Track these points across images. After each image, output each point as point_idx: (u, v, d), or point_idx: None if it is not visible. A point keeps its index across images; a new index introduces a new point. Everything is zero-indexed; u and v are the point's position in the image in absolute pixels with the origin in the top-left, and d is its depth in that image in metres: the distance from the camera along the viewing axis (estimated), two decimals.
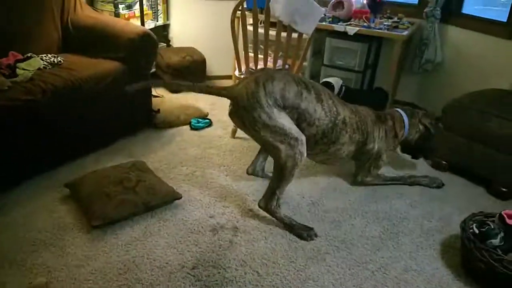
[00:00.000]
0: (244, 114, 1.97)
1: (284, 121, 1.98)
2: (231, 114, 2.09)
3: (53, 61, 2.67)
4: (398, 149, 2.75)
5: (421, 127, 2.57)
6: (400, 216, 2.33)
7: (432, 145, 2.60)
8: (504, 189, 2.52)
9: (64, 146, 2.55)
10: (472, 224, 1.98)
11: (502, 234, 1.89)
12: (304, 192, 2.49)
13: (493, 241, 1.86)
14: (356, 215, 2.32)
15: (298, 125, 2.06)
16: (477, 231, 1.92)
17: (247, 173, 2.55)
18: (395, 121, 2.51)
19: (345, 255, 2.02)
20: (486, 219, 2.03)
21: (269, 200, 2.11)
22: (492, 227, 1.91)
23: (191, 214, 2.23)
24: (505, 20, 3.03)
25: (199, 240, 2.05)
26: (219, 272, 1.86)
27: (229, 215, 2.25)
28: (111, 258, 1.90)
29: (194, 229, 2.12)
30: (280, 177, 2.05)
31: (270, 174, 2.30)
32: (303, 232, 2.09)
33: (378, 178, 2.57)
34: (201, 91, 2.14)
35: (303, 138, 2.05)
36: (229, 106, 2.08)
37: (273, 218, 2.17)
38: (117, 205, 2.07)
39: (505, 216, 1.95)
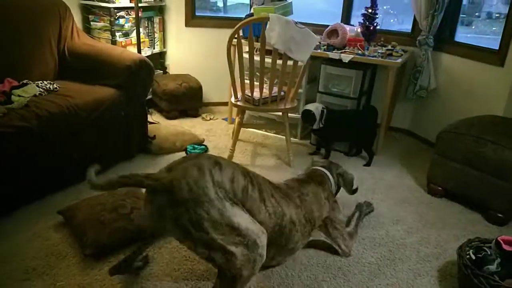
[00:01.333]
0: (183, 212, 1.42)
1: (240, 218, 1.53)
2: (154, 214, 1.50)
3: (49, 87, 2.69)
4: None
5: (338, 179, 2.40)
6: (397, 243, 2.32)
7: (353, 188, 2.46)
8: (500, 215, 2.52)
9: (58, 173, 2.54)
10: (469, 250, 1.97)
11: (498, 260, 1.88)
12: None
13: (490, 267, 1.85)
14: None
15: None
16: (473, 257, 1.91)
17: (110, 273, 1.88)
18: (325, 182, 2.26)
19: (342, 283, 1.99)
20: (482, 245, 2.02)
21: None
22: (489, 253, 1.90)
23: None
24: (497, 48, 3.10)
25: (194, 268, 2.02)
26: None
27: None
28: (105, 286, 1.87)
29: (189, 257, 2.10)
30: None
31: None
32: None
33: (354, 234, 2.30)
34: (117, 184, 1.52)
35: (264, 238, 1.62)
36: (149, 202, 1.51)
37: None
38: (111, 233, 2.05)
39: (501, 242, 1.95)
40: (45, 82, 2.75)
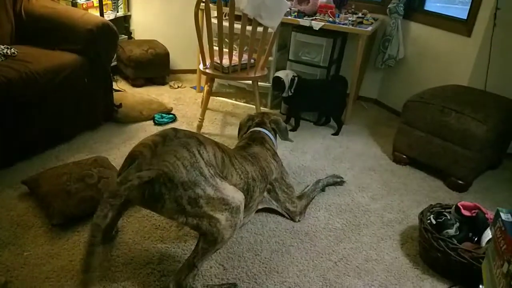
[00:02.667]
0: (182, 193, 1.49)
1: (228, 191, 1.63)
2: (154, 199, 1.50)
3: (6, 52, 2.55)
4: None
5: (274, 129, 2.40)
6: (362, 209, 2.40)
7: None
8: (460, 182, 2.63)
9: (20, 142, 2.45)
10: (430, 215, 2.06)
11: (457, 224, 1.98)
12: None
13: (449, 231, 1.94)
14: (319, 208, 2.36)
15: None
16: (434, 222, 2.00)
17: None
18: (266, 141, 2.27)
19: (308, 247, 2.05)
20: (443, 210, 2.12)
21: (184, 276, 1.63)
22: (449, 218, 2.00)
23: None
24: (465, 18, 3.14)
25: (164, 236, 2.03)
26: None
27: None
28: (74, 255, 1.86)
29: (159, 225, 2.10)
30: (209, 250, 1.63)
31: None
32: None
33: (305, 197, 2.34)
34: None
35: (243, 203, 1.71)
36: (143, 190, 1.49)
37: None
38: (78, 202, 2.02)
39: (460, 207, 2.05)
40: (1, 46, 2.60)
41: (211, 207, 1.56)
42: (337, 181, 2.61)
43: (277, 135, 2.42)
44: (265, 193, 2.16)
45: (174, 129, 1.66)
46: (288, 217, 2.25)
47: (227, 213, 1.61)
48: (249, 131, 2.36)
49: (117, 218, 1.94)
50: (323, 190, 2.53)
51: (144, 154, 1.53)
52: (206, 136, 1.89)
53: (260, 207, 2.17)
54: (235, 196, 1.66)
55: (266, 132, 2.33)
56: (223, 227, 1.60)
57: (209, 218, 1.57)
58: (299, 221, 2.24)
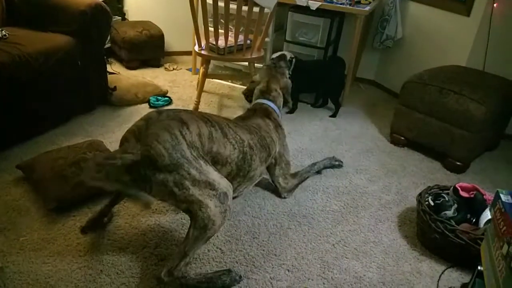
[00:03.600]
0: (167, 176, 1.52)
1: (213, 174, 1.64)
2: (141, 181, 1.53)
3: None
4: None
5: (280, 94, 2.39)
6: (359, 191, 2.39)
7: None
8: (458, 163, 2.62)
9: (14, 127, 2.41)
10: (428, 197, 2.06)
11: (455, 205, 1.98)
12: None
13: (447, 212, 1.94)
14: (317, 191, 2.35)
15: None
16: (432, 203, 2.00)
17: (82, 232, 1.89)
18: (270, 112, 2.27)
19: (306, 230, 2.05)
20: (441, 191, 2.12)
21: (175, 265, 1.60)
22: (447, 199, 1.99)
23: None
24: None
25: (161, 220, 2.02)
26: None
27: None
28: (70, 240, 1.84)
29: (156, 209, 2.09)
30: (200, 238, 1.62)
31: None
32: (225, 279, 1.70)
33: (297, 176, 2.37)
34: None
35: (231, 191, 1.72)
36: (131, 174, 1.51)
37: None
38: (74, 187, 2.00)
39: (458, 188, 2.04)
40: None
41: (198, 190, 1.57)
42: (335, 164, 2.60)
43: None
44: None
45: (158, 111, 1.67)
46: (277, 190, 2.27)
47: (215, 199, 1.62)
48: (252, 103, 2.36)
49: (109, 207, 1.93)
50: (319, 172, 2.52)
51: (128, 140, 1.58)
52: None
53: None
54: (221, 182, 1.65)
55: (270, 104, 2.31)
56: (213, 213, 1.61)
57: (199, 203, 1.58)
58: (285, 197, 2.27)
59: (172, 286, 1.62)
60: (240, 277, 1.74)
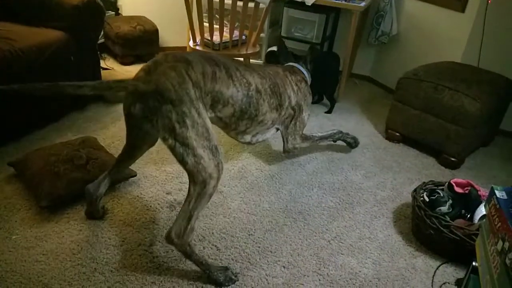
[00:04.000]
0: (171, 109, 1.59)
1: (208, 122, 1.69)
2: (149, 112, 1.61)
3: None
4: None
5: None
6: (355, 187, 2.39)
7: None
8: (453, 159, 2.63)
9: (6, 123, 2.38)
10: (423, 193, 2.06)
11: (450, 201, 1.98)
12: (263, 166, 2.49)
13: (442, 208, 1.95)
14: (313, 187, 2.35)
15: (212, 108, 1.81)
16: (427, 199, 2.00)
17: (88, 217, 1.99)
18: (296, 71, 2.42)
19: (302, 226, 2.05)
20: (436, 187, 2.12)
21: (184, 228, 1.62)
22: (441, 195, 1.99)
23: (147, 191, 2.17)
24: None
25: (156, 217, 2.01)
26: None
27: (186, 191, 2.18)
28: (63, 238, 1.83)
29: (151, 206, 2.07)
30: (202, 194, 1.65)
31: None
32: (220, 276, 1.70)
33: (307, 139, 2.46)
34: (93, 89, 1.58)
35: (221, 148, 1.85)
36: (137, 103, 1.62)
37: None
38: (67, 184, 1.98)
39: (453, 184, 2.05)
40: None
41: (195, 134, 1.62)
42: (351, 143, 2.70)
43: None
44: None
45: (165, 54, 1.74)
46: (282, 143, 2.40)
47: (208, 151, 1.65)
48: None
49: (104, 186, 1.93)
50: (334, 141, 2.65)
51: (139, 75, 1.65)
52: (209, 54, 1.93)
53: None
54: (213, 134, 1.70)
55: (299, 66, 2.46)
56: (208, 165, 1.64)
57: (193, 152, 1.62)
58: (284, 154, 2.44)
59: (179, 249, 1.65)
60: (236, 276, 1.73)
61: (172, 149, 1.64)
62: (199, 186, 1.64)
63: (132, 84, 1.61)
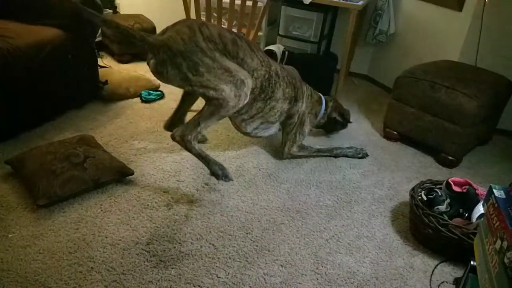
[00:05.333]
0: (181, 61, 1.79)
1: (229, 64, 1.87)
2: (159, 65, 1.83)
3: None
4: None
5: (333, 114, 2.70)
6: (353, 186, 2.39)
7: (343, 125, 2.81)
8: (451, 158, 2.63)
9: (3, 122, 2.37)
10: (421, 192, 2.06)
11: (448, 200, 1.98)
12: (260, 164, 2.49)
13: (440, 207, 1.95)
14: (310, 186, 2.34)
15: None
16: (425, 198, 2.00)
17: (164, 128, 2.33)
18: (311, 90, 2.57)
19: (300, 225, 2.04)
20: (434, 186, 2.12)
21: (188, 130, 1.91)
22: (439, 194, 1.99)
23: (144, 189, 2.17)
24: None
25: (153, 216, 2.00)
26: (174, 247, 1.83)
27: (184, 189, 2.20)
28: (60, 237, 1.82)
29: (148, 205, 2.06)
30: (215, 113, 1.91)
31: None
32: (217, 169, 1.99)
33: (304, 150, 2.54)
34: (114, 26, 1.80)
35: (250, 81, 1.96)
36: (152, 58, 1.85)
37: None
38: (64, 182, 1.97)
39: (451, 183, 2.05)
40: None
41: (213, 76, 1.81)
42: (358, 156, 2.65)
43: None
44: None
45: (186, 19, 2.01)
46: (280, 146, 2.51)
47: (231, 85, 1.85)
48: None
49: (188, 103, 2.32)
50: (335, 156, 2.62)
51: (157, 33, 1.92)
52: None
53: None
54: (239, 70, 1.89)
55: (322, 96, 2.61)
56: (228, 95, 1.86)
57: (214, 87, 1.84)
58: (280, 158, 2.50)
59: (180, 145, 1.95)
60: (229, 176, 2.01)
61: (193, 92, 1.91)
62: (214, 107, 1.89)
63: (141, 35, 1.80)
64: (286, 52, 3.16)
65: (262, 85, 2.06)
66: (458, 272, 1.84)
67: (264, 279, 1.72)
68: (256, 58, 1.99)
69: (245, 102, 1.96)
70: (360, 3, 3.13)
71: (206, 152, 2.03)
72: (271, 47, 3.14)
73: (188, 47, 1.78)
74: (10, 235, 1.80)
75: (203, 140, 2.59)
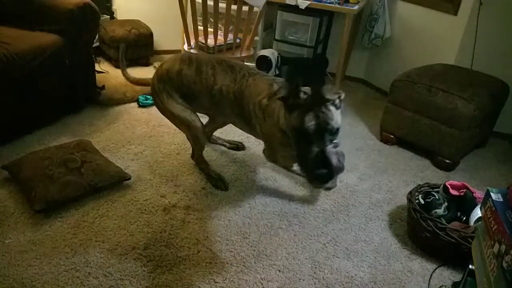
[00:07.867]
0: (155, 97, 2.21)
1: (174, 108, 2.14)
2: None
3: None
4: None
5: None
6: (350, 190, 2.39)
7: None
8: (448, 161, 2.64)
9: (0, 126, 2.36)
10: (418, 195, 2.06)
11: (446, 204, 1.98)
12: (257, 168, 2.49)
13: (437, 210, 1.95)
14: (308, 190, 2.34)
15: (189, 100, 2.14)
16: (422, 202, 2.00)
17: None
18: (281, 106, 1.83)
19: (297, 229, 2.04)
20: (431, 190, 2.12)
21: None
22: (437, 197, 1.99)
23: (141, 194, 2.16)
24: None
25: (150, 220, 1.99)
26: (171, 252, 1.82)
27: (181, 194, 2.20)
28: (57, 242, 1.81)
29: (145, 210, 2.06)
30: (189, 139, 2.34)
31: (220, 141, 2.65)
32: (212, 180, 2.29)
33: (278, 162, 2.10)
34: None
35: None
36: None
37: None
38: (61, 187, 1.96)
39: (448, 186, 2.05)
40: None
41: (171, 117, 2.23)
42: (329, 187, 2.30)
43: None
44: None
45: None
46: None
47: (178, 120, 2.22)
48: None
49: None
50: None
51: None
52: None
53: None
54: (181, 111, 2.17)
55: None
56: (180, 125, 2.29)
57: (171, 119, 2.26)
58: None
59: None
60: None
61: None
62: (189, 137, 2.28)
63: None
64: (279, 57, 3.22)
65: (209, 103, 2.13)
66: (457, 276, 1.84)
67: (262, 284, 1.72)
68: (199, 81, 2.08)
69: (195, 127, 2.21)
70: (356, 7, 3.15)
71: (203, 158, 2.06)
72: (264, 52, 3.16)
73: (152, 90, 2.20)
74: (7, 241, 1.79)
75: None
